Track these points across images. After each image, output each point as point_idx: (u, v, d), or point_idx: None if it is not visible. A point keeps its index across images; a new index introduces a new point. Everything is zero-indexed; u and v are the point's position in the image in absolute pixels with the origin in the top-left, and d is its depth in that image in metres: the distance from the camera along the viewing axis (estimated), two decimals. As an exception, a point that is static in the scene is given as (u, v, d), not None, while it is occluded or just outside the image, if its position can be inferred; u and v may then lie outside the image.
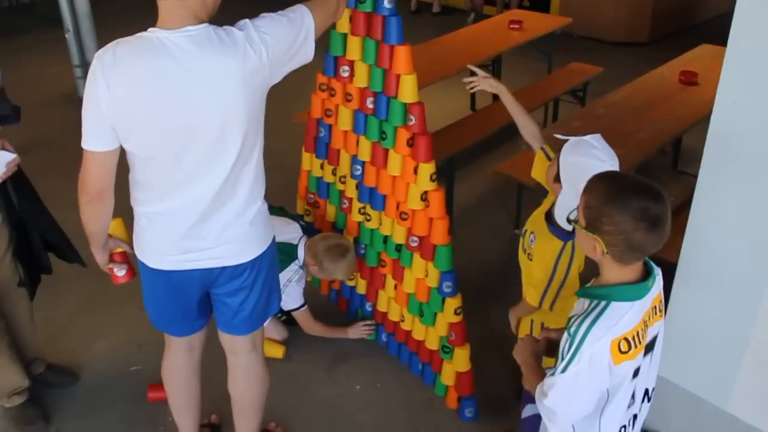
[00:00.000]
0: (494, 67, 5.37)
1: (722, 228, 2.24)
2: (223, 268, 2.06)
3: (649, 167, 4.56)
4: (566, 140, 2.11)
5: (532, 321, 2.44)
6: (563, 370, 1.61)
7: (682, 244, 2.34)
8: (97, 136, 1.84)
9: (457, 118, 4.67)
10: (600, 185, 1.62)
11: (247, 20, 1.89)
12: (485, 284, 3.63)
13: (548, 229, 2.24)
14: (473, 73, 2.65)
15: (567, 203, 2.04)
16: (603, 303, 1.61)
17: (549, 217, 2.25)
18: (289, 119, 4.10)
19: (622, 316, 1.59)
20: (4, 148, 2.39)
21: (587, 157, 2.01)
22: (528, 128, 2.46)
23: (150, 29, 1.81)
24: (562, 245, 2.21)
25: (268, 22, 1.91)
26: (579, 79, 4.90)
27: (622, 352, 1.59)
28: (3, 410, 2.83)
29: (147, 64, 1.77)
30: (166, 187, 1.94)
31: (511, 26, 4.98)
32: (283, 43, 1.91)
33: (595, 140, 2.06)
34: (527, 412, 2.36)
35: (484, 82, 2.57)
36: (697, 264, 2.34)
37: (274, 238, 2.19)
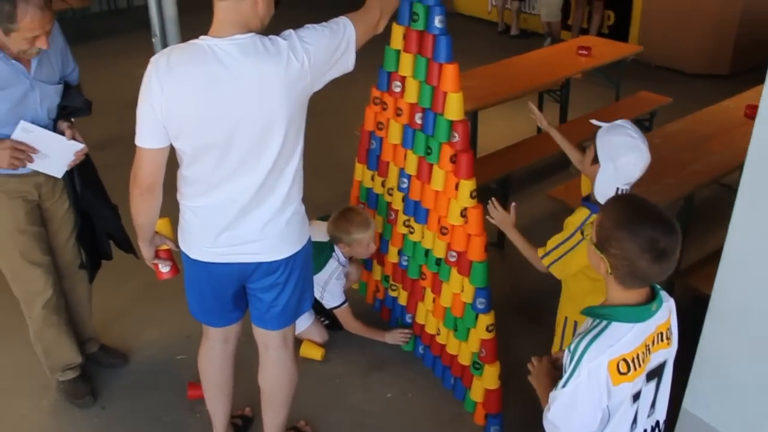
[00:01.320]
0: (562, 92, 5.36)
1: (757, 262, 2.20)
2: (258, 264, 2.18)
3: (711, 202, 4.47)
4: (600, 126, 2.27)
5: (566, 318, 2.48)
6: (563, 385, 1.65)
7: (717, 275, 2.31)
8: (149, 135, 1.99)
9: (521, 139, 4.69)
10: (616, 207, 1.67)
11: (291, 30, 2.01)
12: (530, 306, 3.64)
13: (582, 203, 2.36)
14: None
15: (606, 179, 2.20)
16: (604, 323, 1.64)
17: (585, 198, 2.38)
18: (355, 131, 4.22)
19: (622, 337, 1.61)
20: (74, 138, 2.59)
21: (620, 136, 2.19)
22: (574, 156, 2.66)
23: (201, 37, 1.94)
24: (589, 213, 2.28)
25: (311, 32, 2.01)
26: (646, 108, 4.85)
27: (621, 373, 1.61)
28: (56, 383, 3.02)
29: (198, 69, 1.91)
30: (209, 183, 2.07)
31: (580, 52, 4.97)
32: (324, 52, 2.02)
33: (625, 123, 2.23)
34: None
35: (539, 120, 2.83)
36: (731, 298, 2.30)
37: (309, 239, 2.29)
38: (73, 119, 2.68)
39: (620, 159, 2.16)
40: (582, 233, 2.28)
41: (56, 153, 2.56)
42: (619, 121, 2.24)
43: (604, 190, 2.21)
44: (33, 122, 2.47)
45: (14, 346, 3.29)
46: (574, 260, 2.32)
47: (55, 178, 2.68)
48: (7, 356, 3.27)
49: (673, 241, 1.58)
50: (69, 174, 2.69)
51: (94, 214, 2.87)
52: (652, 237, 1.57)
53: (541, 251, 2.42)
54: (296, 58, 1.95)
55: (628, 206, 1.68)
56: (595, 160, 2.23)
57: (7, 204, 2.60)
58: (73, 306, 3.00)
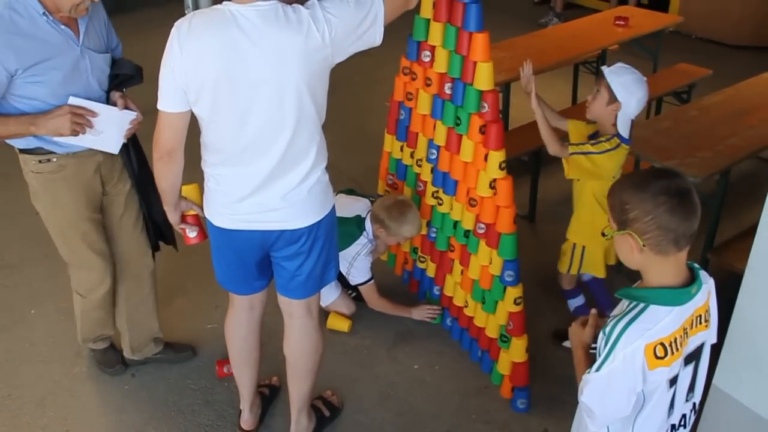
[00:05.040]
0: (598, 64, 5.24)
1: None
2: (281, 232, 2.18)
3: (749, 177, 4.37)
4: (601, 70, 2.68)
5: (574, 245, 2.94)
6: (597, 369, 1.60)
7: (751, 250, 2.25)
8: (170, 98, 2.00)
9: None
10: (618, 183, 1.66)
11: (315, 0, 1.97)
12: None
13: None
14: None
15: (629, 112, 2.64)
16: (641, 305, 1.59)
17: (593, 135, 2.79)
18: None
19: (660, 321, 1.56)
20: (127, 107, 2.48)
21: (630, 74, 2.64)
22: (553, 119, 2.89)
23: (225, 2, 1.94)
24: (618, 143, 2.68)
25: (336, 4, 1.98)
26: (685, 81, 4.71)
27: (657, 358, 1.56)
28: (89, 351, 3.07)
29: (217, 33, 1.90)
30: (229, 152, 2.07)
31: (617, 22, 4.83)
32: (348, 24, 1.98)
33: (624, 64, 2.69)
34: (573, 304, 3.14)
35: (526, 79, 2.83)
36: (764, 274, 2.24)
37: (333, 208, 2.28)
38: (124, 89, 2.56)
39: (638, 93, 2.60)
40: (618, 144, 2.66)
41: (110, 125, 2.42)
42: (619, 64, 2.68)
43: (626, 123, 2.66)
44: (86, 93, 2.37)
45: (48, 314, 3.36)
46: (598, 164, 2.67)
47: (112, 158, 2.55)
48: (41, 324, 3.33)
49: (682, 183, 1.55)
50: (126, 153, 2.58)
51: (152, 192, 2.65)
52: (661, 184, 1.54)
53: (572, 148, 2.71)
54: (317, 28, 1.92)
55: (628, 176, 1.68)
56: (611, 100, 2.62)
57: (69, 191, 2.50)
58: (135, 296, 2.88)
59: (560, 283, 3.13)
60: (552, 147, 2.75)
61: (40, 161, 2.44)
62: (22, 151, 2.44)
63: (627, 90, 2.59)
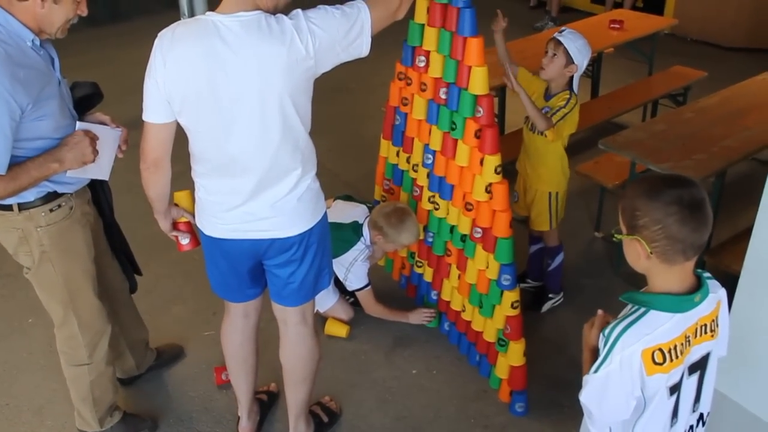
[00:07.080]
0: (594, 67, 5.26)
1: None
2: (272, 241, 2.17)
3: (745, 178, 4.37)
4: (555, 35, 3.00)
5: (550, 194, 3.16)
6: (596, 370, 1.60)
7: (747, 252, 2.25)
8: (154, 109, 2.00)
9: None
10: (632, 187, 1.62)
11: (299, 10, 1.96)
12: (557, 283, 3.59)
13: (548, 99, 3.04)
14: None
15: (580, 72, 3.01)
16: (642, 309, 1.58)
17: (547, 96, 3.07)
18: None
19: (659, 326, 1.55)
20: (104, 124, 2.30)
21: (581, 39, 2.97)
22: (541, 121, 2.94)
23: (207, 12, 1.94)
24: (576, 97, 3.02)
25: (321, 14, 1.96)
26: (680, 83, 4.73)
27: (656, 363, 1.55)
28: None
29: (198, 44, 1.89)
30: (216, 162, 2.07)
31: (612, 26, 4.86)
32: (333, 35, 1.96)
33: (571, 29, 3.03)
34: (560, 258, 3.32)
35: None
36: (760, 276, 2.24)
37: (325, 215, 2.28)
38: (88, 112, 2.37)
39: (588, 55, 2.99)
40: (576, 98, 3.00)
41: (105, 147, 2.26)
42: (568, 30, 3.01)
43: (577, 80, 3.03)
44: (73, 121, 2.20)
45: (46, 323, 3.30)
46: (568, 121, 2.99)
47: (85, 187, 2.37)
48: (39, 332, 3.33)
49: (696, 193, 1.51)
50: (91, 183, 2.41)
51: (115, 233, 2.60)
52: (674, 193, 1.51)
53: (554, 118, 2.97)
54: (300, 39, 1.91)
55: (642, 180, 1.63)
56: (568, 63, 2.94)
57: (82, 234, 2.32)
58: (129, 321, 2.84)
59: (546, 242, 3.34)
60: (541, 123, 2.93)
61: (51, 210, 2.21)
62: (28, 206, 2.17)
63: (581, 53, 2.94)
